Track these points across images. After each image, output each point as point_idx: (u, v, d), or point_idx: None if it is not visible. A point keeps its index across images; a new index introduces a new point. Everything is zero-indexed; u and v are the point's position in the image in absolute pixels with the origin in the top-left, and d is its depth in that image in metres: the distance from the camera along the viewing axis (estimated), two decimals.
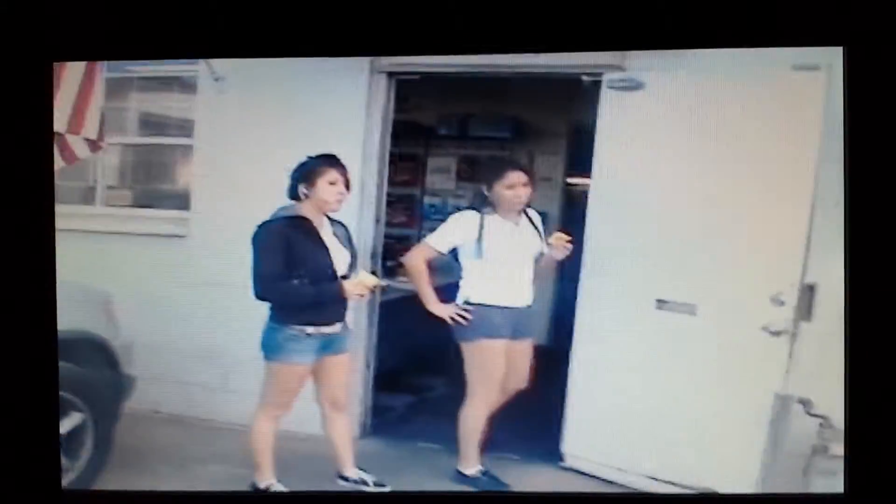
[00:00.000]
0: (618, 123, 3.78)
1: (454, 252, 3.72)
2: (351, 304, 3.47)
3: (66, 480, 3.25)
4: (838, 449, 3.03)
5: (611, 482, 3.79)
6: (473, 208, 3.71)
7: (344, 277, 3.38)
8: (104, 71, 4.03)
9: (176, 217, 4.46)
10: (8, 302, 2.91)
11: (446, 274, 3.86)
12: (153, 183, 4.81)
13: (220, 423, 4.21)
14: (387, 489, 3.60)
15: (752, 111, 3.46)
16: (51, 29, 2.92)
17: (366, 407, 4.31)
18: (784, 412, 3.36)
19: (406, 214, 6.63)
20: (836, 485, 2.97)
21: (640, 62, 3.69)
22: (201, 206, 4.36)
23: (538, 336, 4.04)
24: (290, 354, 3.34)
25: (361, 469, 3.63)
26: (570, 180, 6.44)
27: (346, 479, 3.60)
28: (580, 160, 5.93)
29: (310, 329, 3.32)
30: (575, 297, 3.91)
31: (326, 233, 3.40)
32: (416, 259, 3.70)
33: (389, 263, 4.57)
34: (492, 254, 3.64)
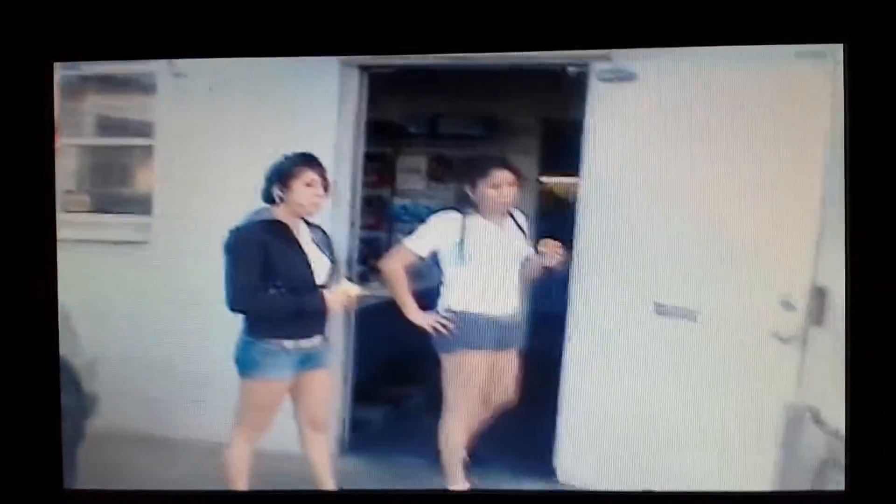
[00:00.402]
0: (608, 117, 3.58)
1: (434, 256, 3.51)
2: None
3: None
4: None
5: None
6: (454, 209, 3.51)
7: (323, 287, 3.18)
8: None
9: (137, 222, 4.21)
10: (9, 302, 2.91)
11: (423, 278, 3.66)
12: (112, 187, 4.53)
13: (189, 441, 3.96)
14: None
15: (755, 102, 3.28)
16: (51, 29, 2.90)
17: (343, 422, 4.10)
18: (795, 424, 3.19)
19: (375, 217, 6.37)
20: None
21: (630, 51, 3.46)
22: (163, 210, 4.11)
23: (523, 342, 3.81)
24: (267, 370, 3.12)
25: (343, 490, 3.42)
26: (544, 179, 6.30)
27: None
28: (555, 158, 5.86)
29: (288, 343, 3.11)
30: (564, 301, 3.71)
31: (305, 239, 3.20)
32: (395, 264, 3.49)
33: (359, 268, 4.32)
34: (475, 258, 3.45)
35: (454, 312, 3.47)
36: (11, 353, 2.95)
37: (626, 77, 3.53)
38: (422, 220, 3.59)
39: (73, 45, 2.98)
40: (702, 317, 3.43)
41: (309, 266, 3.15)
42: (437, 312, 3.49)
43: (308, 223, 3.24)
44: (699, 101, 3.37)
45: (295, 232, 3.16)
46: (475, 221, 3.47)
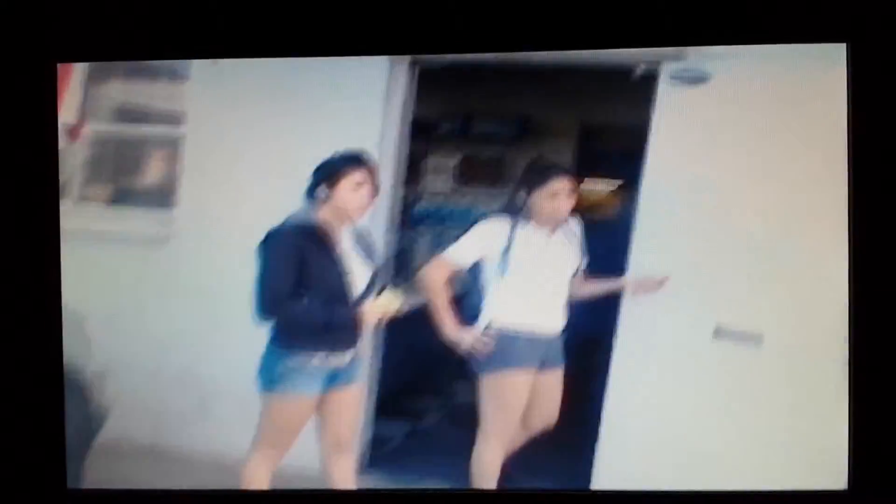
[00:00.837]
0: (674, 122, 3.33)
1: (476, 266, 3.26)
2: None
3: None
4: None
5: None
6: (504, 213, 3.26)
7: (360, 298, 2.94)
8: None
9: (159, 217, 4.00)
10: (11, 301, 2.90)
11: (459, 287, 3.41)
12: (134, 177, 4.30)
13: (200, 455, 3.74)
14: None
15: (833, 105, 2.94)
16: (56, 29, 2.88)
17: (365, 439, 3.84)
18: None
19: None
20: None
21: (704, 50, 3.24)
22: (189, 206, 3.89)
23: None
24: (294, 385, 2.88)
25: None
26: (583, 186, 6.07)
27: None
28: (593, 163, 5.64)
29: (318, 356, 2.88)
30: (614, 318, 3.45)
31: (345, 245, 2.97)
32: (436, 276, 3.23)
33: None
34: (520, 269, 3.19)
35: (496, 328, 3.22)
36: (14, 353, 2.90)
37: (699, 78, 3.29)
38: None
39: (79, 45, 2.94)
40: (768, 341, 3.18)
41: (346, 277, 2.92)
42: (477, 328, 3.23)
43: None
44: (769, 105, 3.15)
45: (335, 238, 2.94)
46: (525, 229, 3.22)
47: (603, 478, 3.48)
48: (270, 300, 2.83)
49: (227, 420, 3.52)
